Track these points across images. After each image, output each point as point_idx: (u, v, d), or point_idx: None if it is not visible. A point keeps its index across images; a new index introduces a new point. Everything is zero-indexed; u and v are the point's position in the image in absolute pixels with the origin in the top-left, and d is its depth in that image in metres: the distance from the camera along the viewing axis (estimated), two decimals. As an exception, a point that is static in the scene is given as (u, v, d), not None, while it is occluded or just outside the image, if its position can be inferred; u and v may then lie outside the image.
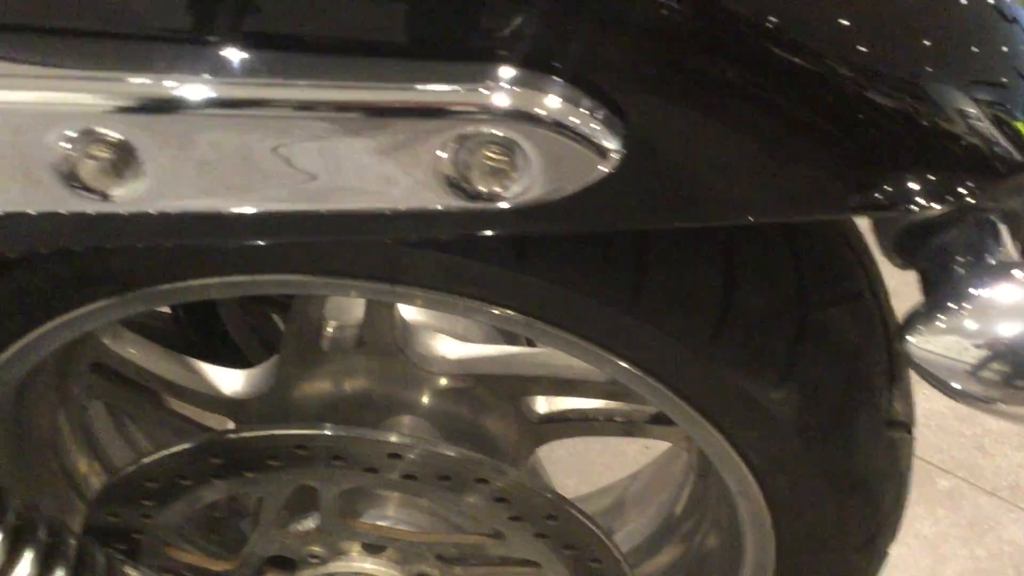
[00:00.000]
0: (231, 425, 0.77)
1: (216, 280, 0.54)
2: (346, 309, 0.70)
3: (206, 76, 0.37)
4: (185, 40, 0.37)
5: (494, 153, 0.38)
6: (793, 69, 0.39)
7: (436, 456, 0.58)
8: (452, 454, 0.58)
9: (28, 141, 0.38)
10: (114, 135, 0.38)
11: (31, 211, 0.39)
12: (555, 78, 0.38)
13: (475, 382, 0.71)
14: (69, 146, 0.37)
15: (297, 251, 0.50)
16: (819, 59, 0.39)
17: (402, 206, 0.39)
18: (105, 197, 0.38)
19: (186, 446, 0.58)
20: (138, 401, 0.75)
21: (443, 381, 0.71)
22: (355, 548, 0.65)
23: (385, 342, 0.69)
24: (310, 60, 0.37)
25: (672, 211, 0.41)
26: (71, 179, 0.38)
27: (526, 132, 0.38)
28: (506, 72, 0.37)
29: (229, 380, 0.73)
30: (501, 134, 0.38)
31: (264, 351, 0.93)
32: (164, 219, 0.39)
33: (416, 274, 0.50)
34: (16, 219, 0.39)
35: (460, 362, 0.70)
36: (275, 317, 0.92)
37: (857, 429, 0.57)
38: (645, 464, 0.88)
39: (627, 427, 0.73)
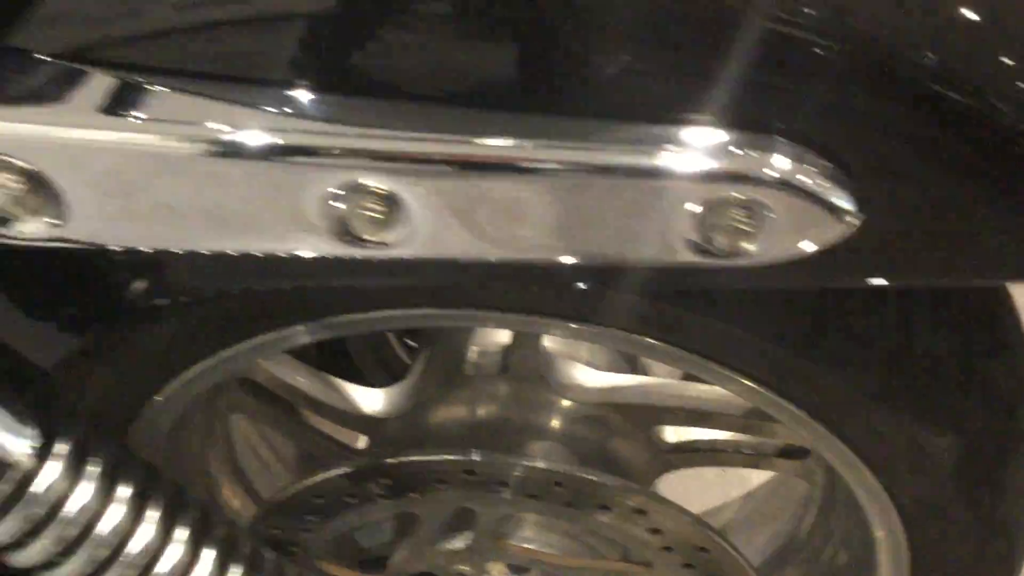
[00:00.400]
0: (362, 442, 0.80)
1: (401, 312, 0.57)
2: (491, 335, 0.73)
3: (481, 138, 0.39)
4: (454, 102, 0.40)
5: (738, 215, 0.40)
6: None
7: (601, 487, 0.60)
8: (613, 484, 0.61)
9: (304, 192, 0.40)
10: (383, 187, 0.40)
11: (301, 253, 0.42)
12: (789, 141, 0.41)
13: (610, 410, 0.73)
14: (343, 195, 0.40)
15: (494, 289, 0.53)
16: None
17: (645, 260, 0.42)
18: (371, 244, 0.41)
19: (361, 465, 0.61)
20: (279, 415, 0.77)
21: (580, 408, 0.73)
22: (500, 568, 0.68)
23: (529, 369, 0.71)
24: (573, 123, 0.40)
25: (912, 270, 0.43)
26: (341, 228, 0.41)
27: (771, 196, 0.40)
28: (761, 140, 0.40)
29: (368, 398, 0.76)
30: (746, 197, 0.40)
31: (382, 370, 0.96)
32: (422, 262, 0.42)
33: (611, 316, 0.52)
34: (284, 260, 0.42)
35: (598, 391, 0.73)
36: (391, 338, 0.95)
37: (1008, 476, 0.59)
38: (750, 491, 0.90)
39: (753, 459, 0.75)
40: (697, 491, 1.15)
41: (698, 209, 0.41)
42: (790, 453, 0.74)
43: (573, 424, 0.73)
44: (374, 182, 0.40)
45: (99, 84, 0.40)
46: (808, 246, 0.41)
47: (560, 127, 0.40)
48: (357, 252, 0.42)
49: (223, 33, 0.41)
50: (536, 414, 0.73)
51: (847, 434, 0.57)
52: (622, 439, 0.74)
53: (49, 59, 0.40)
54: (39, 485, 0.46)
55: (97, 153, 0.40)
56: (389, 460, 0.62)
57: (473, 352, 0.73)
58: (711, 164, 0.40)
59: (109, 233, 0.42)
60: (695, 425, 0.74)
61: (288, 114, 0.39)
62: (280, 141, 0.39)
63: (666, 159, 0.40)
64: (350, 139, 0.39)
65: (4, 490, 0.46)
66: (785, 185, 0.40)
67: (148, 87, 0.40)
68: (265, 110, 0.39)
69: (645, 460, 0.76)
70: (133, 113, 0.40)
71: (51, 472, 0.46)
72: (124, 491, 0.48)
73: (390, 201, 0.40)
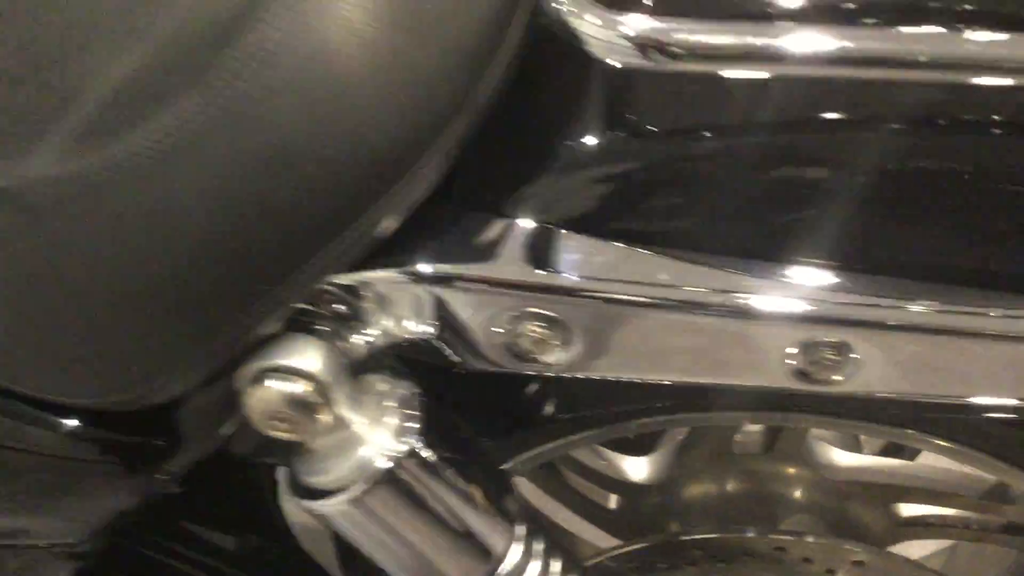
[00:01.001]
0: (613, 502, 0.89)
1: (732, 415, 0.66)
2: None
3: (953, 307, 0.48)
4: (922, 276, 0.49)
5: None
6: None
7: (910, 567, 0.69)
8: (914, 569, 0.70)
9: (775, 343, 0.49)
10: (835, 339, 0.49)
11: (754, 386, 0.51)
12: None
13: (856, 487, 0.82)
14: (806, 347, 0.49)
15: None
16: None
17: None
18: (821, 383, 0.50)
19: (688, 537, 0.70)
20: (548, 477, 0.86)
21: (831, 485, 0.82)
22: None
23: (794, 451, 0.80)
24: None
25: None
26: (798, 371, 0.50)
27: None
28: None
29: (633, 466, 0.85)
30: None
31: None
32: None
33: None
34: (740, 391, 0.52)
35: (850, 469, 0.82)
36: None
37: None
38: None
39: (979, 534, 0.84)
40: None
41: None
42: (1014, 529, 0.83)
43: (824, 498, 0.82)
44: (832, 337, 0.49)
45: (596, 247, 0.50)
46: None
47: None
48: (806, 388, 0.51)
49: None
50: (793, 490, 0.82)
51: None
52: (863, 513, 0.83)
53: (554, 227, 0.50)
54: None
55: (601, 304, 0.49)
56: (702, 535, 0.71)
57: (741, 432, 0.82)
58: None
59: (607, 365, 0.51)
60: (931, 504, 0.83)
61: (772, 282, 0.48)
62: (770, 308, 0.48)
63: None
64: (827, 306, 0.48)
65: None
66: None
67: (643, 251, 0.49)
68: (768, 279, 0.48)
69: (879, 532, 0.84)
70: (634, 275, 0.49)
71: (534, 569, 0.55)
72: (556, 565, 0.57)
73: (842, 350, 0.49)
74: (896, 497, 0.83)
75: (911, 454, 0.91)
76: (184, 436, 0.55)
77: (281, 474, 0.57)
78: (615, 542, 0.80)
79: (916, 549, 0.96)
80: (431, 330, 0.51)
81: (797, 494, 0.82)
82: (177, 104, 0.42)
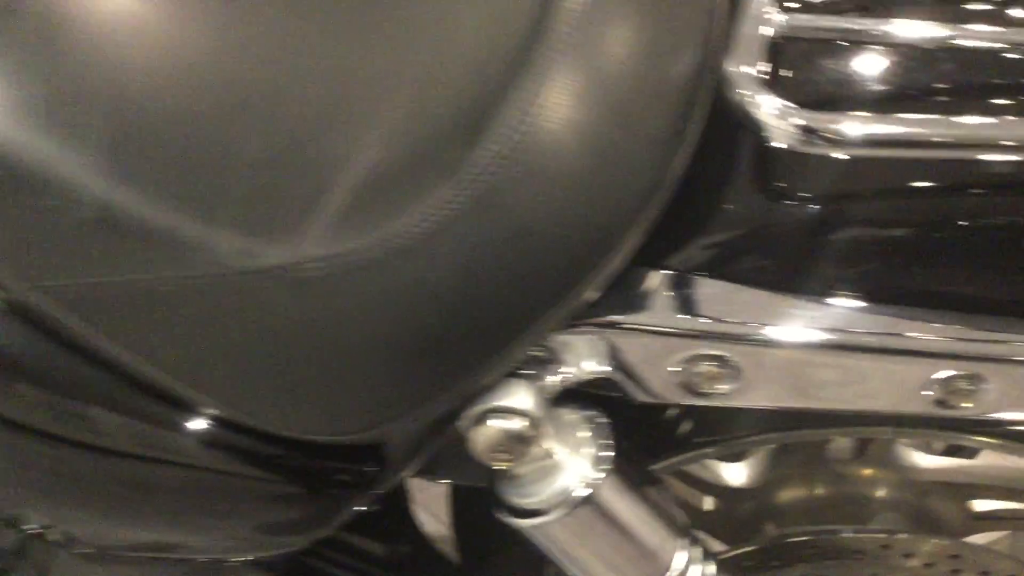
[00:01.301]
0: (709, 504, 0.98)
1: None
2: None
3: None
4: None
5: None
6: None
7: (996, 557, 0.78)
8: (1000, 559, 0.78)
9: (908, 377, 0.58)
10: (969, 371, 0.58)
11: (895, 411, 0.60)
12: None
13: (935, 486, 0.91)
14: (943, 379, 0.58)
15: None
16: None
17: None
18: (956, 408, 0.58)
19: (801, 537, 0.78)
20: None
21: (914, 485, 0.91)
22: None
23: (883, 456, 0.89)
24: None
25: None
26: (936, 399, 0.58)
27: None
28: None
29: (730, 471, 0.93)
30: None
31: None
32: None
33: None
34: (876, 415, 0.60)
35: (930, 471, 0.90)
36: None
37: None
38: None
39: (1045, 524, 0.93)
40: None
41: None
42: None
43: (907, 497, 0.91)
44: (966, 370, 0.58)
45: (761, 296, 0.58)
46: None
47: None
48: (941, 413, 0.59)
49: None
50: (878, 490, 0.91)
51: None
52: (940, 507, 0.92)
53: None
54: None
55: (766, 346, 0.58)
56: (815, 535, 0.80)
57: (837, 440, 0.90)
58: None
59: (767, 396, 0.59)
60: (1003, 500, 0.92)
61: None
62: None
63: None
64: (962, 343, 0.57)
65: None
66: None
67: (803, 299, 0.57)
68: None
69: (954, 526, 0.93)
70: (795, 319, 0.57)
71: (695, 573, 0.63)
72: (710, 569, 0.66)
73: (975, 380, 0.58)
74: (970, 494, 0.91)
75: (969, 453, 0.99)
76: (393, 463, 0.63)
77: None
78: (712, 542, 0.88)
79: (979, 539, 1.05)
80: (616, 370, 0.59)
81: (884, 494, 0.90)
82: (432, 195, 0.50)
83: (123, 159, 0.56)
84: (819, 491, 0.91)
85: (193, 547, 0.67)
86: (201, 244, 0.54)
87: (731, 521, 0.94)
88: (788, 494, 0.91)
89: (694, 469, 0.93)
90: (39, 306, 0.58)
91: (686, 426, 0.73)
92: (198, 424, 0.62)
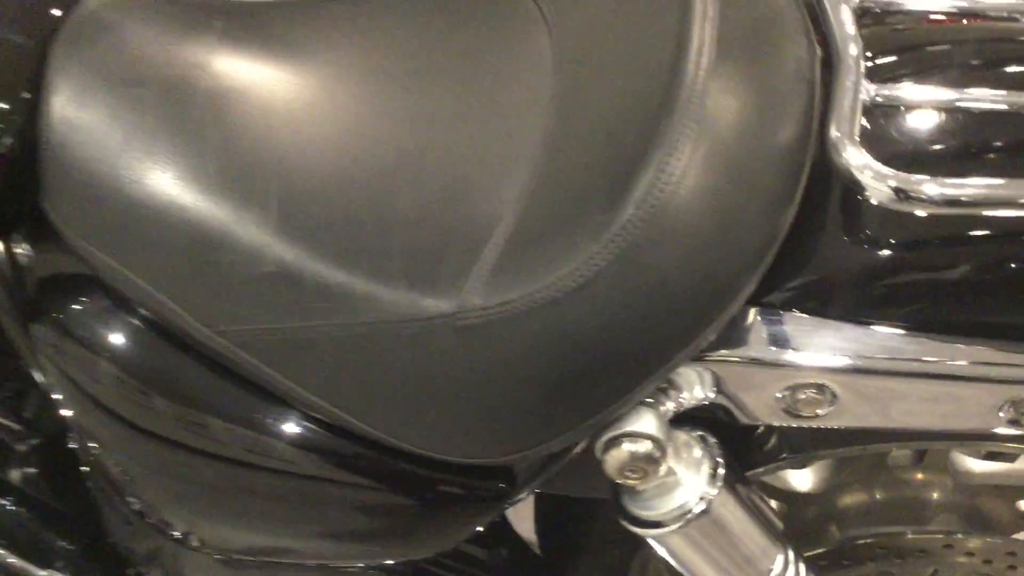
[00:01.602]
0: (778, 509, 1.05)
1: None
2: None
3: None
4: None
5: None
6: None
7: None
8: None
9: (984, 400, 0.66)
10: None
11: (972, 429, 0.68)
12: None
13: (986, 488, 0.99)
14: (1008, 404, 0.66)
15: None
16: None
17: None
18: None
19: (873, 539, 0.86)
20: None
21: (968, 488, 0.98)
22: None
23: (942, 463, 0.97)
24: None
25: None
26: (1014, 420, 0.66)
27: None
28: None
29: (796, 477, 1.01)
30: None
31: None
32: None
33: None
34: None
35: (982, 475, 0.98)
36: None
37: None
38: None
39: (1087, 522, 1.01)
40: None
41: None
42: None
43: (962, 499, 0.99)
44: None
45: (854, 331, 0.66)
46: None
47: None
48: (1015, 431, 0.67)
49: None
50: (936, 494, 0.99)
51: None
52: (993, 508, 1.00)
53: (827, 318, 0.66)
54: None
55: (860, 375, 0.65)
56: (885, 536, 0.88)
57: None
58: None
59: (859, 418, 0.67)
60: (1050, 500, 1.00)
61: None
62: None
63: None
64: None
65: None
66: None
67: (896, 332, 0.65)
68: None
69: (1004, 525, 1.01)
70: (886, 352, 0.65)
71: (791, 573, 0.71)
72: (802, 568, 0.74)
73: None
74: (1017, 495, 0.99)
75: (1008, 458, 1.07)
76: (521, 481, 0.71)
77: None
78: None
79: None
80: (723, 397, 0.67)
81: (940, 497, 0.98)
82: (579, 253, 0.58)
83: (294, 220, 0.64)
84: (879, 495, 0.99)
85: (342, 554, 0.76)
86: (369, 295, 0.62)
87: (797, 524, 1.02)
88: (850, 499, 0.99)
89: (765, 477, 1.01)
90: (214, 347, 0.66)
91: (773, 441, 0.81)
92: (343, 446, 0.70)
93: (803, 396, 0.66)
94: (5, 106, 0.66)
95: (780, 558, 0.71)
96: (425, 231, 0.63)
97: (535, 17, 0.74)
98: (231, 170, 0.65)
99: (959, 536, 0.86)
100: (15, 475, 0.82)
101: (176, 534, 0.78)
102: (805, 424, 0.68)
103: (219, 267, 0.64)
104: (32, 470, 0.83)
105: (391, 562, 0.80)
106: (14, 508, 0.82)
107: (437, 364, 0.61)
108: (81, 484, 0.83)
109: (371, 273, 0.62)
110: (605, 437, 0.64)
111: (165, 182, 0.64)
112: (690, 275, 0.58)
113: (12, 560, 0.80)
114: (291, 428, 0.70)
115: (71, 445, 0.78)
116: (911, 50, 0.69)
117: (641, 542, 0.75)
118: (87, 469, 0.80)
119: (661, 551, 0.69)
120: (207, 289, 0.65)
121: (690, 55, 0.60)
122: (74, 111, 0.65)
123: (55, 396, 0.73)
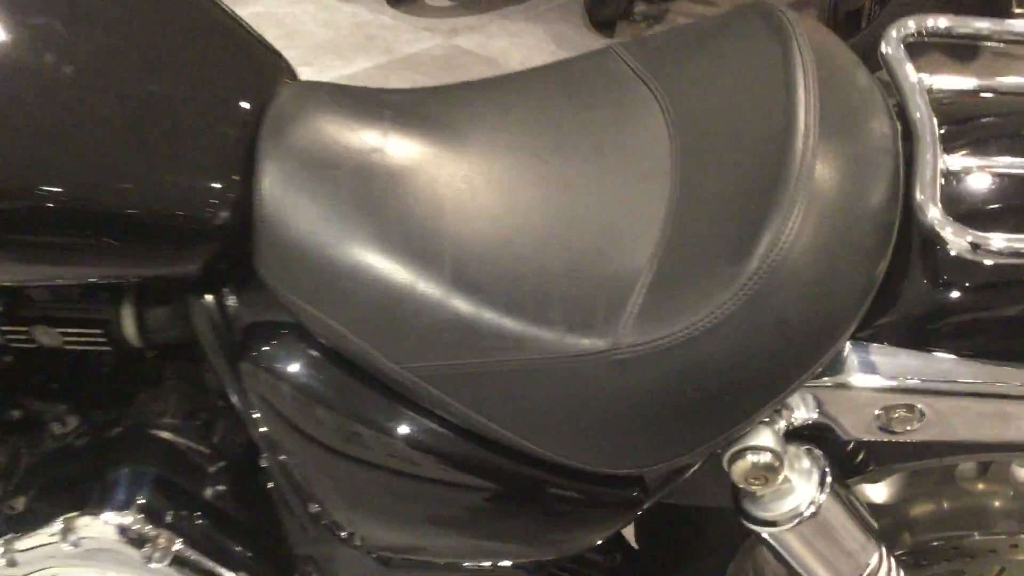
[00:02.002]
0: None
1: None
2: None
3: None
4: None
5: None
6: None
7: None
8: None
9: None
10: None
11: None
12: None
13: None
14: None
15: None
16: None
17: None
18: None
19: (946, 542, 0.98)
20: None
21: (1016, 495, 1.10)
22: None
23: (1002, 474, 1.08)
24: None
25: None
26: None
27: None
28: None
29: (871, 489, 1.13)
30: None
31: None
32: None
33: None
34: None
35: (1035, 484, 1.10)
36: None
37: None
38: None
39: None
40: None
41: None
42: None
43: (1020, 506, 1.11)
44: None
45: (937, 360, 0.78)
46: None
47: None
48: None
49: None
50: (998, 502, 1.10)
51: None
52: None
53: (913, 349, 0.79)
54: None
55: (947, 396, 0.78)
56: (959, 538, 0.99)
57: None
58: None
59: (942, 433, 0.80)
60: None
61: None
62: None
63: None
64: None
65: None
66: None
67: (971, 360, 0.78)
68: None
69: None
70: (966, 376, 0.78)
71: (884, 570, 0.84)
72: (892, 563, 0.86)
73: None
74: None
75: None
76: (653, 490, 0.84)
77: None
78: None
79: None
80: (826, 416, 0.80)
81: (1002, 504, 1.10)
82: (713, 299, 0.71)
83: (464, 276, 0.78)
84: (947, 504, 1.11)
85: (490, 552, 0.89)
86: (534, 336, 0.75)
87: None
88: (921, 508, 1.11)
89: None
90: (400, 380, 0.80)
91: (863, 454, 0.93)
92: (504, 463, 0.83)
93: (896, 415, 0.79)
94: (222, 186, 0.81)
95: (876, 554, 0.84)
96: (577, 283, 0.77)
97: (647, 96, 0.88)
98: (410, 235, 0.79)
99: (1021, 537, 0.98)
100: (208, 492, 0.96)
101: (343, 534, 0.92)
102: (896, 439, 0.81)
103: (405, 315, 0.78)
104: (221, 488, 0.97)
105: (523, 561, 0.93)
106: (206, 521, 0.95)
107: (592, 390, 0.75)
108: (260, 499, 0.97)
109: (534, 318, 0.76)
110: (732, 450, 0.77)
111: (358, 246, 0.78)
112: (805, 316, 0.72)
113: (208, 564, 0.94)
114: (452, 446, 0.84)
115: (262, 464, 0.92)
116: (975, 122, 0.83)
117: (735, 550, 0.87)
118: (271, 486, 0.94)
119: (775, 546, 0.82)
120: (395, 333, 0.78)
121: (798, 136, 0.74)
122: (281, 190, 0.80)
123: (255, 417, 0.87)
